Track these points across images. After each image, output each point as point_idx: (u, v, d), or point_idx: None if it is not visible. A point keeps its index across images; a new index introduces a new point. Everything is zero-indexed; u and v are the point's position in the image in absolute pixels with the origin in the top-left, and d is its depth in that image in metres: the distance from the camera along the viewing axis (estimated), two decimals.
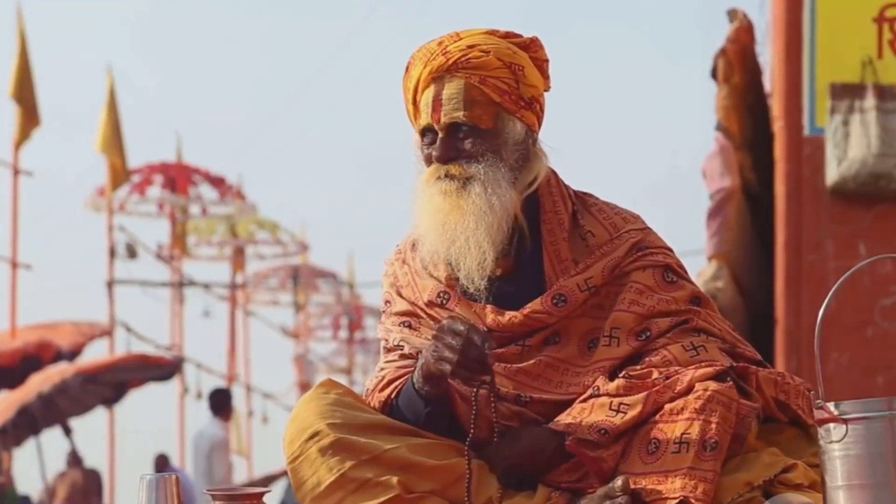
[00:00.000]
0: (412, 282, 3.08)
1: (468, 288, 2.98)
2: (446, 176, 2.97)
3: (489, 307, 2.99)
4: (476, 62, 2.96)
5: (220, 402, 13.20)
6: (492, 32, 3.03)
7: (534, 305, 2.97)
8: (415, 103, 3.02)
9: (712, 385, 2.83)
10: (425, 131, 3.01)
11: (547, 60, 3.07)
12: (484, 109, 2.97)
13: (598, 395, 2.89)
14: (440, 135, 2.98)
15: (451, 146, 2.97)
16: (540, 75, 3.04)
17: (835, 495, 2.59)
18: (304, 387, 26.23)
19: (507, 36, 3.03)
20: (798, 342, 5.96)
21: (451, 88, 2.97)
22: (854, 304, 5.88)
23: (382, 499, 2.83)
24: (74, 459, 15.61)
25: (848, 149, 5.88)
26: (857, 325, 5.93)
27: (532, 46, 3.04)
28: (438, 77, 2.98)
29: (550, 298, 2.97)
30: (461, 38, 3.00)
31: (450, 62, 2.97)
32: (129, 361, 15.73)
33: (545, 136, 3.07)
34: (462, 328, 2.79)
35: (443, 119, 2.97)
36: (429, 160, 3.00)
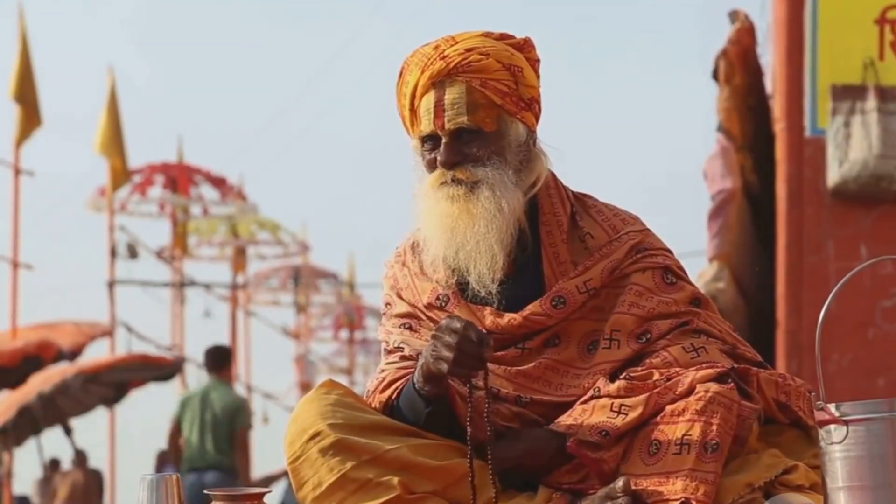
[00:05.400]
0: (412, 284, 3.08)
1: (479, 292, 2.98)
2: (453, 181, 2.96)
3: (488, 309, 2.99)
4: (476, 65, 2.96)
5: (219, 360, 11.36)
6: (487, 35, 3.02)
7: (533, 307, 2.97)
8: (412, 109, 3.00)
9: (713, 387, 2.83)
10: (427, 137, 3.00)
11: (539, 61, 3.06)
12: (487, 112, 2.96)
13: (599, 397, 2.89)
14: (444, 140, 2.97)
15: (456, 150, 2.96)
16: (535, 75, 3.04)
17: (836, 496, 2.60)
18: (305, 387, 26.24)
19: (502, 38, 3.02)
20: (799, 343, 5.97)
21: (453, 93, 2.96)
22: (855, 306, 5.89)
23: (383, 499, 2.83)
24: (79, 459, 15.62)
25: (849, 150, 5.89)
26: (858, 326, 5.94)
27: (526, 47, 3.04)
28: (438, 82, 2.96)
29: (549, 300, 2.97)
30: (457, 42, 2.99)
31: (450, 66, 2.95)
32: (129, 361, 15.72)
33: (546, 138, 3.08)
34: (458, 326, 2.79)
35: (447, 125, 2.95)
36: (432, 165, 2.99)
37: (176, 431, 10.83)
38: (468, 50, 2.97)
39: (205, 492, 2.80)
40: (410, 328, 3.06)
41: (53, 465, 16.18)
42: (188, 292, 22.55)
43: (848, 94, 5.92)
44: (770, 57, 6.81)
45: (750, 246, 6.66)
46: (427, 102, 2.97)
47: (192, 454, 10.67)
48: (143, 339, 18.91)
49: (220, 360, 11.11)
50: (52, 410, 14.87)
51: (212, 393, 10.77)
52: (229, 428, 10.67)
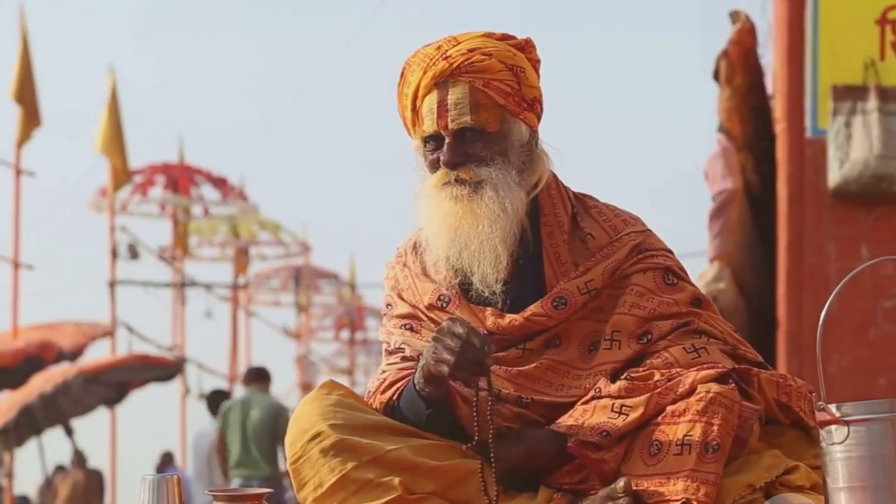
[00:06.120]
0: (413, 285, 3.08)
1: (483, 292, 2.98)
2: (456, 181, 2.96)
3: (489, 310, 2.99)
4: (479, 66, 2.95)
5: (219, 404, 13.19)
6: (488, 35, 3.02)
7: (534, 308, 2.97)
8: (414, 109, 3.00)
9: (714, 387, 2.83)
10: (429, 137, 3.00)
11: (539, 61, 3.06)
12: (490, 112, 2.96)
13: (600, 397, 2.89)
14: (447, 140, 2.96)
15: (459, 151, 2.96)
16: (536, 76, 3.04)
17: (836, 497, 2.60)
18: (306, 388, 26.23)
19: (504, 38, 3.02)
20: (799, 344, 5.96)
21: (457, 93, 2.95)
22: (856, 306, 5.88)
23: (384, 500, 2.83)
24: (79, 459, 15.63)
25: (850, 151, 5.88)
26: (859, 326, 5.93)
27: (527, 48, 3.04)
28: (441, 82, 2.96)
29: (550, 301, 2.97)
30: (460, 42, 2.99)
31: (453, 67, 2.95)
32: (130, 362, 15.75)
33: (547, 138, 3.08)
34: (461, 330, 2.78)
35: (450, 125, 2.95)
36: (434, 166, 2.99)
37: (221, 443, 11.10)
38: (471, 50, 2.97)
39: (205, 491, 2.81)
40: (411, 329, 3.06)
41: (58, 471, 16.17)
42: (189, 293, 22.57)
43: (849, 95, 5.92)
44: (771, 57, 6.80)
45: (750, 246, 6.66)
46: (430, 102, 2.97)
47: (237, 464, 10.93)
48: (144, 340, 18.93)
49: (261, 375, 11.63)
50: (53, 411, 14.89)
51: (251, 400, 11.13)
52: (272, 433, 10.89)
